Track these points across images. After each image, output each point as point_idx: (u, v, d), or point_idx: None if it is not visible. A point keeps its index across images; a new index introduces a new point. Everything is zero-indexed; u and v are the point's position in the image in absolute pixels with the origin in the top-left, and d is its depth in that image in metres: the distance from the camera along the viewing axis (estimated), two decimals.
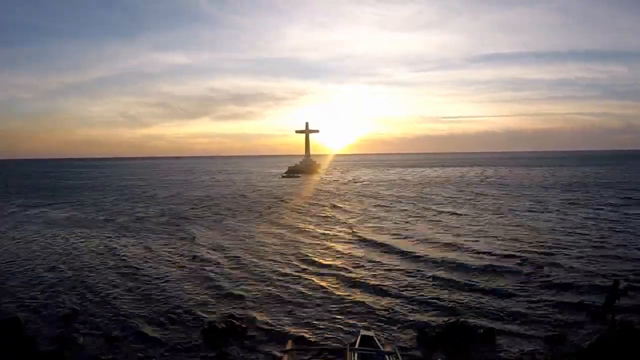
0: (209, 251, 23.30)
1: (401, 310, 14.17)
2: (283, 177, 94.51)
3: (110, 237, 27.89)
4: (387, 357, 10.02)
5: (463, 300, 15.04)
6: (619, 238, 24.59)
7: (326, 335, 12.40)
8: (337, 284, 17.18)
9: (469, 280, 17.15)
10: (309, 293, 16.04)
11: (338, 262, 20.42)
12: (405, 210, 38.47)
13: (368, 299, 15.35)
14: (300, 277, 18.07)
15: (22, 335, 11.70)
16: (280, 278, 18.01)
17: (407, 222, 31.83)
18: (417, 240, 25.17)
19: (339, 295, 15.79)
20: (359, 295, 15.72)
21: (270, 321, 13.39)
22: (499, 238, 25.17)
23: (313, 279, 17.88)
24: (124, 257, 22.17)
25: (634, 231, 26.43)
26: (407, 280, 17.43)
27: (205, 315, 13.89)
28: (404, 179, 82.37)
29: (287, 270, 19.13)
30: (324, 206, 42.34)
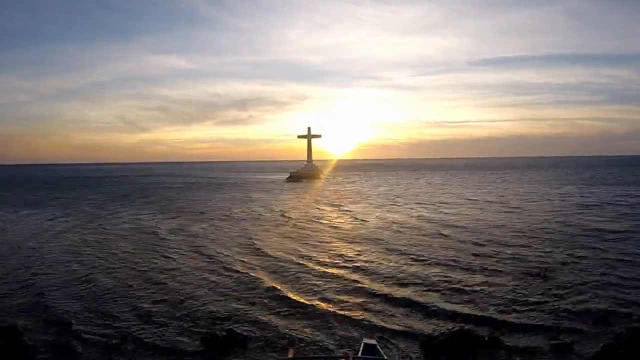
0: (210, 257, 23.19)
1: (405, 318, 13.99)
2: (286, 181, 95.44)
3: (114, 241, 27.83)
4: None
5: (467, 307, 14.84)
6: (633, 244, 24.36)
7: (328, 344, 12.23)
8: (339, 291, 17.00)
9: (474, 287, 16.95)
10: (311, 301, 15.87)
11: (339, 270, 20.26)
12: (406, 214, 38.32)
13: (371, 306, 15.18)
14: (301, 285, 17.91)
15: (21, 343, 11.57)
16: (282, 286, 17.84)
17: (408, 226, 31.68)
18: (420, 246, 25.03)
19: (341, 302, 15.62)
20: (361, 303, 15.53)
21: (271, 329, 13.22)
22: (504, 244, 24.99)
23: (315, 286, 17.72)
24: (129, 264, 22.09)
25: None
26: (410, 287, 17.25)
27: (206, 323, 13.74)
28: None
29: (288, 278, 18.98)
30: (326, 208, 42.25)
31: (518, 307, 14.66)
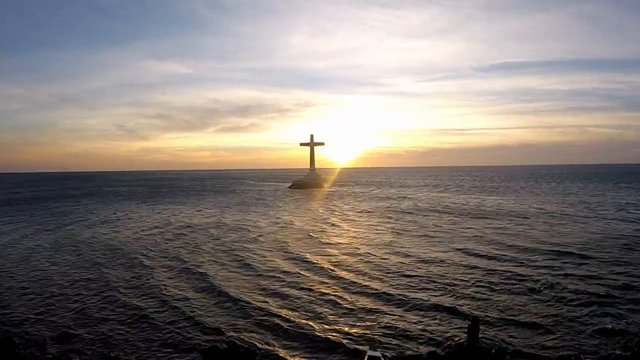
0: (208, 266, 22.95)
1: (410, 330, 13.69)
2: (289, 189, 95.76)
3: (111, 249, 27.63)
4: None
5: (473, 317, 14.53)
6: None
7: (331, 356, 11.94)
8: (342, 303, 16.71)
9: (479, 300, 16.66)
10: (314, 312, 15.59)
11: (343, 281, 19.96)
12: (412, 224, 38.05)
13: (375, 317, 14.88)
14: (305, 296, 17.64)
15: (15, 354, 11.32)
16: (285, 296, 17.58)
17: (412, 236, 31.39)
18: (424, 256, 24.73)
19: (344, 314, 15.34)
20: (365, 314, 15.24)
21: (273, 342, 12.94)
22: (510, 253, 24.68)
23: (318, 298, 17.43)
24: (124, 272, 21.86)
25: None
26: (414, 298, 16.96)
27: (206, 335, 13.46)
28: None
29: (292, 288, 18.71)
30: (331, 219, 42.04)
31: (524, 320, 14.35)
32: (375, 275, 20.38)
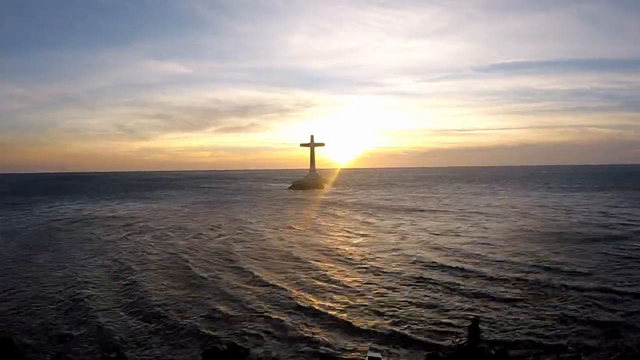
0: (208, 266, 22.91)
1: (410, 330, 13.67)
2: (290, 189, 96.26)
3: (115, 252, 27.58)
4: None
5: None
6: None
7: (332, 357, 11.92)
8: (343, 303, 16.69)
9: (481, 299, 16.65)
10: (314, 312, 15.57)
11: (345, 282, 19.94)
12: (410, 224, 38.01)
13: (376, 318, 14.85)
14: (306, 296, 17.60)
15: (14, 355, 11.29)
16: (286, 297, 17.54)
17: (412, 236, 31.35)
18: (423, 257, 24.69)
19: (345, 314, 15.32)
20: (366, 315, 15.21)
21: (273, 343, 12.92)
22: (512, 256, 24.64)
23: (319, 298, 17.41)
24: (124, 275, 21.81)
25: None
26: (415, 299, 16.94)
27: (206, 337, 13.43)
28: None
29: (293, 288, 18.68)
30: (329, 220, 41.95)
31: (524, 321, 14.34)
32: (374, 277, 20.36)
